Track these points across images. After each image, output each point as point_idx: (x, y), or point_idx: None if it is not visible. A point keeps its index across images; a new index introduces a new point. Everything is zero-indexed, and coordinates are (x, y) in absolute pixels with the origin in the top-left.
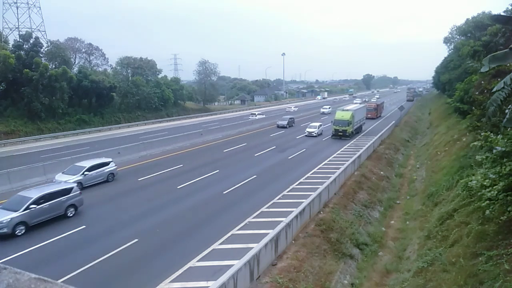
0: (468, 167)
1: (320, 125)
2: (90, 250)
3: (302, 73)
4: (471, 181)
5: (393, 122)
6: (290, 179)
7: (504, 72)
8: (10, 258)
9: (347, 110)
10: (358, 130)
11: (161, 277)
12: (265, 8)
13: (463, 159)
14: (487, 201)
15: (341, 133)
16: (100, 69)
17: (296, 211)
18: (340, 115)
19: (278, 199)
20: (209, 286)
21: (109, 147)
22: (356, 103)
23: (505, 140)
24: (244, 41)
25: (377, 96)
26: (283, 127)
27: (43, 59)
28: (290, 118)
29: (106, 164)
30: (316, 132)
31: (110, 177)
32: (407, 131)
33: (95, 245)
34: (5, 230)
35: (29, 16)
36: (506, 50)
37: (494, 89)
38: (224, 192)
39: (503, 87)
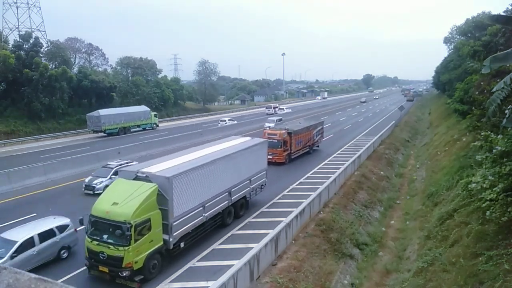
0: (468, 167)
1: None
2: None
3: (302, 73)
4: (471, 182)
5: (393, 122)
6: (290, 179)
7: (504, 72)
8: None
9: (153, 172)
10: (226, 219)
11: (161, 277)
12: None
13: (463, 159)
14: (488, 202)
15: (106, 268)
16: (100, 69)
17: (296, 211)
18: (110, 197)
19: (278, 199)
20: (209, 286)
21: (109, 147)
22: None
23: (505, 140)
24: (244, 41)
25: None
26: None
27: (43, 59)
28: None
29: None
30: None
31: None
32: (407, 131)
33: None
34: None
35: (29, 16)
36: (507, 51)
37: (494, 89)
38: None
39: (503, 87)
